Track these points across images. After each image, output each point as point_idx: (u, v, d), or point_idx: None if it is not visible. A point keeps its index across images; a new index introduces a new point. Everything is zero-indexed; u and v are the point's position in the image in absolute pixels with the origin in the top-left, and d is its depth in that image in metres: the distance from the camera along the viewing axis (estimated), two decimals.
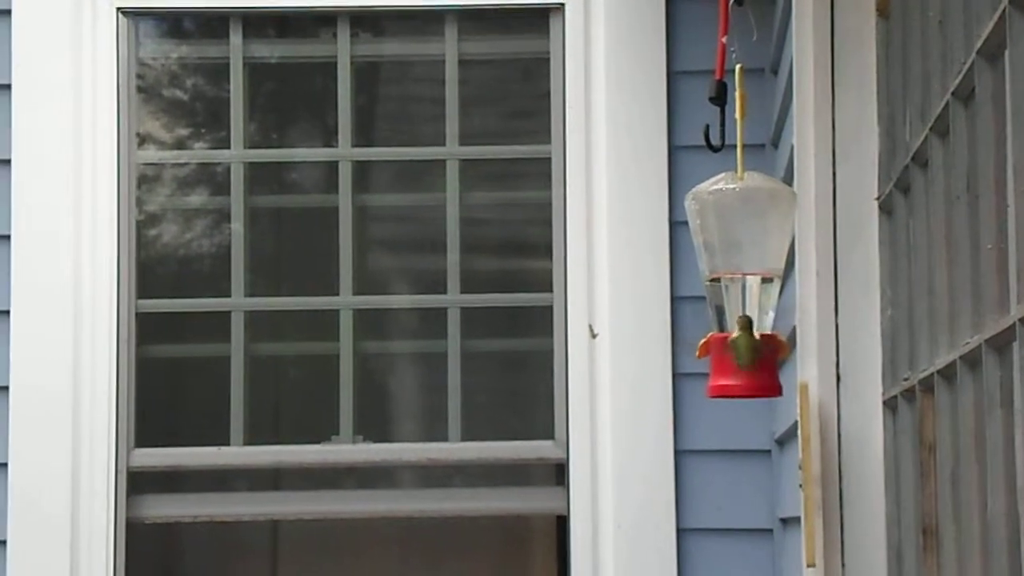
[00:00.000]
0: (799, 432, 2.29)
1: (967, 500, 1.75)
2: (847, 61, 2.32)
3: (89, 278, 3.13)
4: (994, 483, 1.62)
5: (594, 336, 3.11)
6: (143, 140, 3.30)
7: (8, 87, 3.17)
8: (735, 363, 2.09)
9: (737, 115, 2.23)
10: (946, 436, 1.88)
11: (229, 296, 3.24)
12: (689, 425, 3.08)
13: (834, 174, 2.31)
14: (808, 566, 2.27)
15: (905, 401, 2.11)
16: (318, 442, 3.21)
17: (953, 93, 1.81)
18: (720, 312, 2.17)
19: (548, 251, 3.18)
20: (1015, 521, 1.55)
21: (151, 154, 3.31)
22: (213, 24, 3.31)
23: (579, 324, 3.12)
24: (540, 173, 3.22)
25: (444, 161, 3.26)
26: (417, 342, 3.36)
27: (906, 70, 2.12)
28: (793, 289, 2.41)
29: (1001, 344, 1.60)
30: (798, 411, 2.30)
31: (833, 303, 2.30)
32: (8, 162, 3.16)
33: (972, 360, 1.73)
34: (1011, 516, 1.56)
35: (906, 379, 2.10)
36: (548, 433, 3.16)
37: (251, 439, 3.21)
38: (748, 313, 2.15)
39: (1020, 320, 1.48)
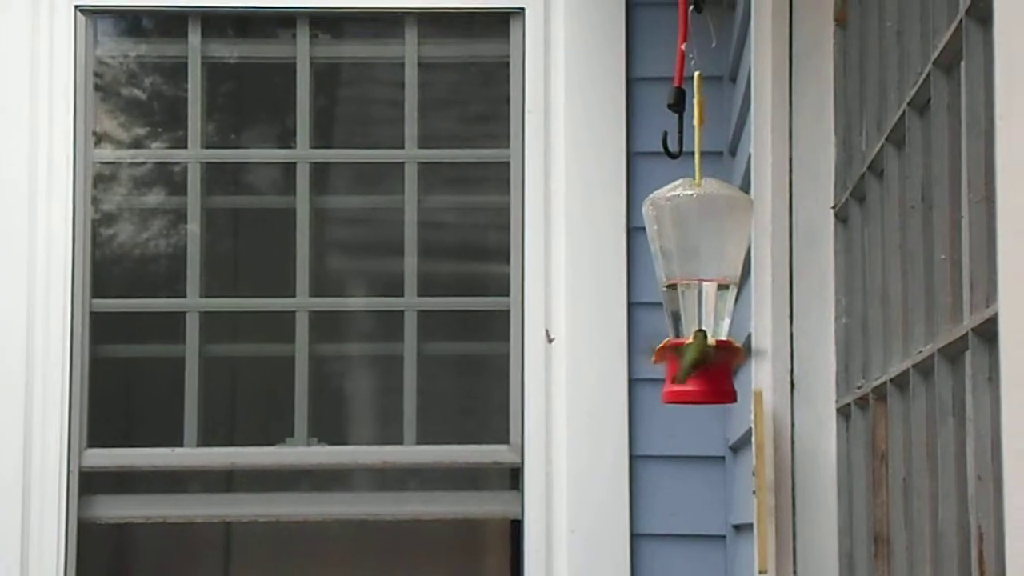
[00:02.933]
0: (753, 439, 2.30)
1: (918, 508, 1.76)
2: (805, 70, 2.33)
3: (43, 277, 3.12)
4: (945, 491, 1.63)
5: (550, 341, 3.12)
6: (100, 139, 3.29)
7: None
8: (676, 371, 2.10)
9: (695, 122, 2.24)
10: (898, 444, 1.89)
11: (184, 297, 3.22)
12: (644, 430, 3.09)
13: (791, 182, 2.32)
14: (760, 572, 2.27)
15: (858, 409, 2.12)
16: (272, 444, 3.20)
17: (909, 103, 1.82)
18: (676, 318, 2.17)
19: (506, 255, 3.19)
20: (966, 529, 1.56)
21: (107, 153, 3.29)
22: (172, 23, 3.30)
23: (536, 328, 3.12)
24: (498, 177, 3.22)
25: (403, 164, 3.26)
26: (373, 345, 3.35)
27: (863, 79, 2.13)
28: (749, 296, 2.42)
29: (954, 353, 1.61)
30: (752, 418, 2.31)
31: (788, 310, 2.31)
32: None
33: (925, 369, 1.74)
34: (962, 524, 1.57)
35: (859, 387, 2.11)
36: (503, 437, 3.16)
37: (205, 440, 3.19)
38: (704, 319, 2.15)
39: (973, 330, 1.49)
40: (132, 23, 3.34)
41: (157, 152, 3.35)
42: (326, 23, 3.32)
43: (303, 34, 3.26)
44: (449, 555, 3.66)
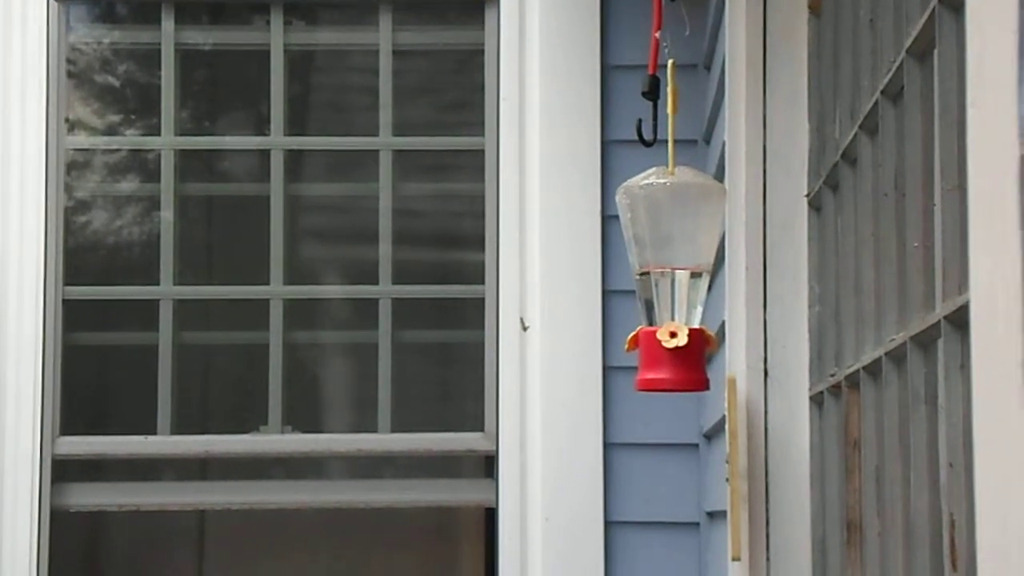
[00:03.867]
0: (726, 426, 2.30)
1: (891, 495, 1.77)
2: (779, 58, 2.33)
3: (16, 264, 3.10)
4: (917, 479, 1.63)
5: (525, 329, 3.12)
6: (73, 126, 3.27)
7: None
8: None
9: (669, 110, 2.24)
10: (871, 432, 1.90)
11: (158, 284, 3.21)
12: (618, 418, 3.09)
13: (765, 170, 2.33)
14: (733, 559, 2.28)
15: (831, 397, 2.13)
16: (246, 432, 3.19)
17: (883, 91, 1.82)
18: (649, 306, 2.18)
19: (480, 243, 3.18)
20: (937, 516, 1.56)
21: (81, 140, 3.28)
22: (145, 10, 3.29)
23: (510, 316, 3.12)
24: (473, 165, 3.22)
25: (377, 151, 3.25)
26: (348, 333, 3.35)
27: (837, 68, 2.13)
28: (723, 284, 2.42)
29: (926, 341, 1.62)
30: (726, 405, 2.32)
31: (762, 298, 2.31)
32: None
33: (897, 357, 1.74)
34: (933, 512, 1.58)
35: (832, 375, 2.11)
36: (478, 425, 3.16)
37: (179, 428, 3.19)
38: (677, 307, 2.16)
39: (945, 318, 1.49)
40: (106, 9, 3.32)
41: (131, 139, 3.33)
42: (300, 10, 3.31)
43: (277, 21, 3.25)
44: (424, 543, 3.66)
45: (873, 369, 1.87)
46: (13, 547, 3.06)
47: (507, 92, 3.16)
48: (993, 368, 1.20)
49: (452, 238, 3.35)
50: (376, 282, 3.23)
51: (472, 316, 3.20)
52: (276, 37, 3.25)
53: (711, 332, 2.20)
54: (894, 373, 1.76)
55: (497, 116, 3.17)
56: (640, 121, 2.29)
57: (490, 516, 3.21)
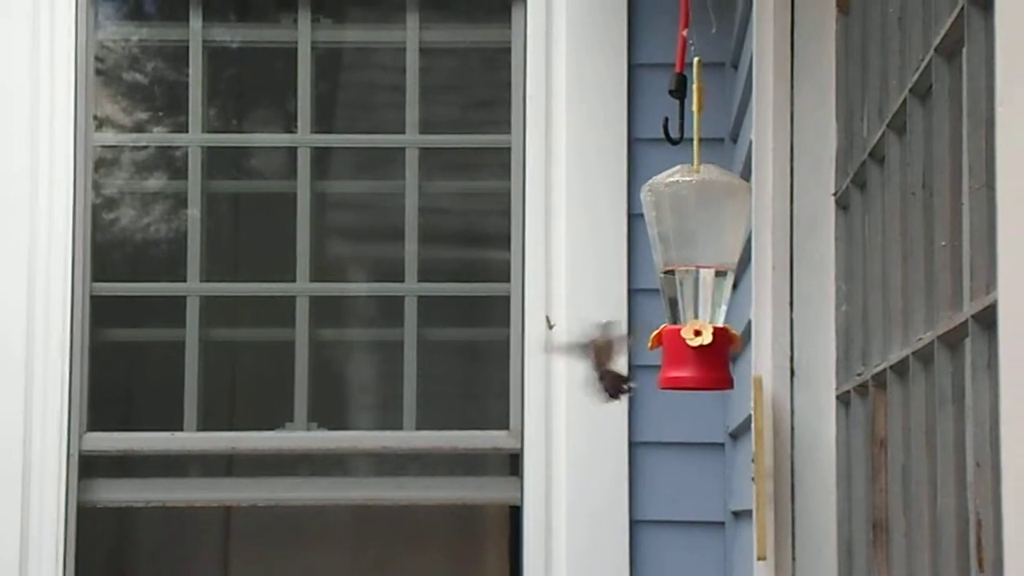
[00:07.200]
0: (752, 425, 2.30)
1: (917, 495, 1.76)
2: (807, 56, 2.33)
3: (44, 260, 3.11)
4: (944, 478, 1.63)
5: (551, 327, 3.12)
6: (101, 123, 3.28)
7: None
8: None
9: (695, 108, 2.23)
10: (898, 431, 1.89)
11: (185, 281, 3.22)
12: (644, 417, 3.09)
13: (792, 169, 2.32)
14: (759, 559, 2.28)
15: (858, 396, 2.12)
16: (272, 428, 3.20)
17: (911, 90, 1.82)
18: (674, 304, 2.17)
19: (506, 241, 3.18)
20: (964, 516, 1.56)
21: (109, 137, 3.29)
22: (173, 7, 3.30)
23: (536, 314, 3.12)
24: (499, 163, 3.22)
25: (403, 149, 3.26)
26: (374, 330, 3.35)
27: (865, 66, 2.13)
28: (749, 283, 2.42)
29: (953, 341, 1.61)
30: (752, 404, 2.31)
31: (788, 297, 2.31)
32: None
33: (925, 356, 1.74)
34: (960, 511, 1.57)
35: (859, 374, 2.11)
36: (503, 423, 3.16)
37: (205, 425, 3.20)
38: (701, 305, 2.15)
39: (973, 317, 1.49)
40: (134, 7, 3.33)
41: (158, 136, 3.34)
42: (327, 8, 3.31)
43: (304, 19, 3.26)
44: (448, 540, 3.66)
45: (900, 368, 1.86)
46: (40, 542, 3.07)
47: (534, 90, 3.16)
48: (1021, 367, 1.19)
49: (478, 236, 3.36)
50: (402, 280, 3.23)
51: (498, 314, 3.20)
52: (303, 35, 3.26)
53: (735, 331, 2.19)
54: (921, 373, 1.75)
55: (524, 114, 3.16)
56: (667, 119, 2.29)
57: (515, 514, 3.21)
